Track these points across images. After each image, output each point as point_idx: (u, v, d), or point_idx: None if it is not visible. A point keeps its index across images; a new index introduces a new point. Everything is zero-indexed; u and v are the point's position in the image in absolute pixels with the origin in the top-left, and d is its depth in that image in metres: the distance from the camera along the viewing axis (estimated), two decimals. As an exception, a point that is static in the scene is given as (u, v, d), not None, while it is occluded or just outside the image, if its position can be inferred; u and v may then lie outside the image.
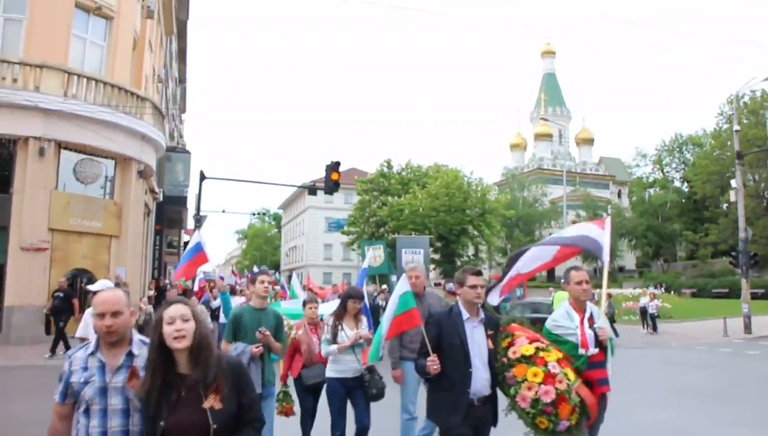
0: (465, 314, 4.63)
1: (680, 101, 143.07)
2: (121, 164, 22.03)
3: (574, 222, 68.44)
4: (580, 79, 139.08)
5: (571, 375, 4.52)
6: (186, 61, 48.46)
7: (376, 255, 23.07)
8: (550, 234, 42.24)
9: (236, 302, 15.20)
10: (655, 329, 25.65)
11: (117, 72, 22.09)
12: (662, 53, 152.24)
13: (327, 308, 15.80)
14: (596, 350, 4.83)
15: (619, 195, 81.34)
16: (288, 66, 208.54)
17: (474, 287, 4.62)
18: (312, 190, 30.23)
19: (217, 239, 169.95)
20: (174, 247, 37.52)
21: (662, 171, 73.47)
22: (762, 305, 29.55)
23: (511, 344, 4.70)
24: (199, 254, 8.52)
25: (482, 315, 4.70)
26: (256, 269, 41.75)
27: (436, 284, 37.64)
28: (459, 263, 44.00)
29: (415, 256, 29.55)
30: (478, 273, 4.74)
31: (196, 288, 19.32)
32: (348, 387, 6.43)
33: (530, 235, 55.61)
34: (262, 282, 6.13)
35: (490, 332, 4.65)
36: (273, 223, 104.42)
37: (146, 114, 22.75)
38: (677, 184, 71.06)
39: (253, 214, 57.94)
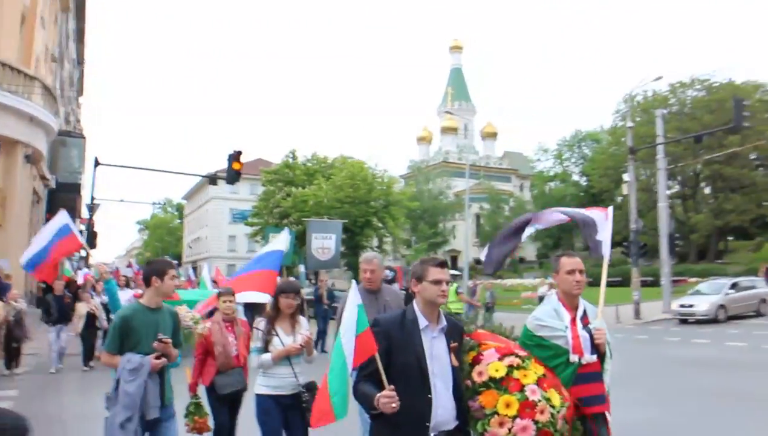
0: (423, 321, 3.49)
1: (582, 99, 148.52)
2: (5, 147, 20.76)
3: (477, 215, 70.39)
4: (486, 74, 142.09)
5: (556, 399, 3.51)
6: (84, 42, 46.31)
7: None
8: (454, 227, 42.11)
9: (123, 297, 14.41)
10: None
11: (2, 48, 20.78)
12: (567, 51, 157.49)
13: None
14: (593, 358, 3.88)
15: (522, 188, 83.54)
16: (194, 53, 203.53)
17: (438, 282, 3.48)
18: (213, 179, 29.51)
19: (117, 230, 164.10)
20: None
21: (562, 165, 75.83)
22: (651, 292, 30.92)
23: (476, 360, 3.69)
24: (67, 240, 6.73)
25: (444, 322, 3.55)
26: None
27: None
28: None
29: (326, 241, 28.13)
30: (442, 265, 3.57)
31: (80, 281, 17.71)
32: (283, 406, 5.22)
33: (434, 227, 56.38)
34: (173, 278, 4.76)
35: (453, 344, 3.54)
36: (176, 213, 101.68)
37: (35, 94, 21.50)
38: (576, 178, 73.52)
39: (154, 203, 56.09)
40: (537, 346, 3.91)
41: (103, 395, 4.68)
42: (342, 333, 3.38)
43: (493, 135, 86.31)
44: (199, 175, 37.98)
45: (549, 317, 4.01)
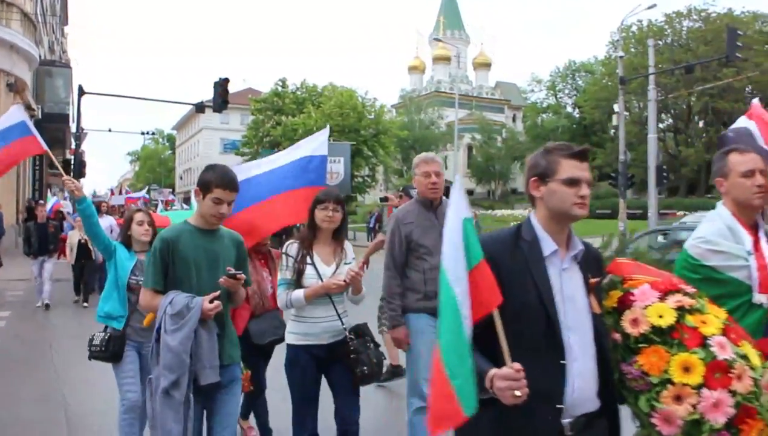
0: (549, 245, 2.23)
1: (578, 28, 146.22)
2: (-14, 75, 20.46)
3: (469, 146, 70.11)
4: (480, 2, 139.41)
5: (755, 356, 2.20)
6: (66, -33, 45.04)
7: None
8: (446, 157, 41.47)
9: (103, 224, 14.07)
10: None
11: (-22, -27, 20.24)
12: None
13: None
14: None
15: (514, 119, 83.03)
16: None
17: (575, 182, 2.21)
18: (201, 108, 29.13)
19: (107, 161, 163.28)
20: (55, 168, 35.67)
21: (555, 97, 75.26)
22: (639, 224, 31.06)
23: (625, 303, 2.35)
24: (25, 141, 5.48)
25: (579, 245, 2.29)
26: (148, 191, 39.62)
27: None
28: (353, 184, 44.12)
29: (334, 165, 25.15)
30: (581, 155, 2.26)
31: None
32: (321, 360, 3.98)
33: (425, 158, 56.18)
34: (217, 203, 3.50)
35: (593, 280, 2.30)
36: (167, 144, 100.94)
37: (14, 21, 21.05)
38: (569, 109, 73.13)
39: (143, 133, 55.46)
40: (705, 280, 2.66)
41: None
42: (448, 270, 2.04)
43: (486, 65, 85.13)
44: (187, 104, 37.45)
45: (723, 237, 2.77)
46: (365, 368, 3.92)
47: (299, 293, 3.90)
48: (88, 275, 12.69)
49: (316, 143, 5.33)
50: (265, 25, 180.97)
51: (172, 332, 3.26)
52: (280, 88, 48.79)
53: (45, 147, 5.61)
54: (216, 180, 3.34)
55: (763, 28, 48.20)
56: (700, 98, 49.11)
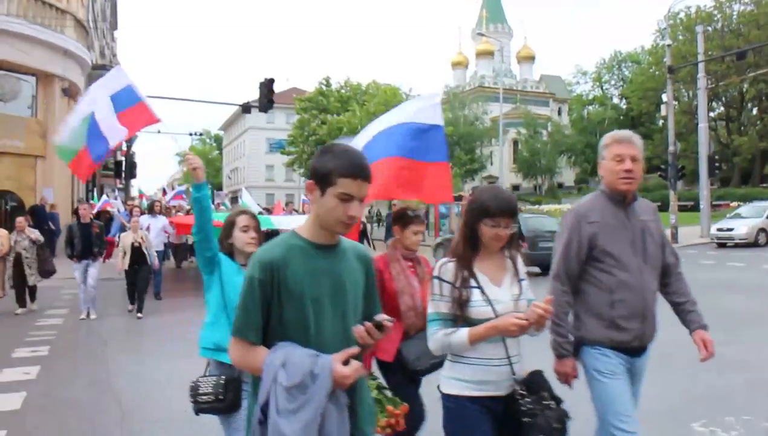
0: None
1: (622, 19, 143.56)
2: (42, 81, 21.12)
3: (514, 140, 69.50)
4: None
5: None
6: (115, -26, 46.14)
7: None
8: (491, 153, 40.14)
9: (154, 226, 13.26)
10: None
11: (33, -18, 20.88)
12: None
13: (293, 222, 15.18)
14: None
15: (559, 112, 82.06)
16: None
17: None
18: (246, 108, 29.53)
19: (156, 161, 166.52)
20: (110, 169, 36.57)
21: (601, 88, 74.22)
22: (690, 217, 30.59)
23: None
24: (136, 110, 4.88)
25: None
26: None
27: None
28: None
29: None
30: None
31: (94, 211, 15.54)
32: (494, 413, 2.81)
33: (471, 153, 55.88)
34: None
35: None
36: (214, 144, 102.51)
37: (68, 28, 21.70)
38: (615, 101, 72.01)
39: (191, 134, 56.54)
40: None
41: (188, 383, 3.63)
42: None
43: (529, 58, 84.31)
44: (234, 105, 38.05)
45: None
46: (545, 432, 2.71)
47: (462, 335, 2.69)
48: (142, 282, 11.31)
49: (431, 111, 4.61)
50: (308, 24, 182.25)
51: (288, 414, 2.08)
52: (324, 87, 49.16)
53: (158, 117, 4.98)
54: (341, 167, 2.18)
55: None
56: (753, 84, 47.77)
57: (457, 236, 2.92)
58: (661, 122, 54.30)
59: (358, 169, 2.22)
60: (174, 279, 16.07)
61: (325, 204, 2.22)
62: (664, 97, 29.98)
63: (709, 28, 46.13)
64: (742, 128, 53.16)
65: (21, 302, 11.62)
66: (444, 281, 2.80)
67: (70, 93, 22.23)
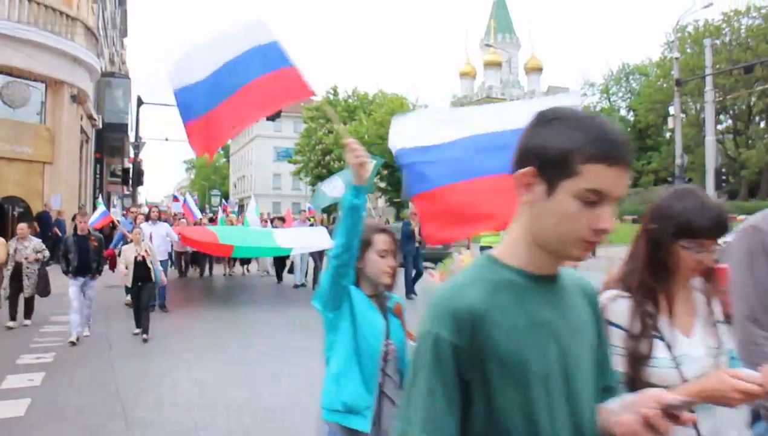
0: None
1: (631, 30, 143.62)
2: (52, 88, 21.24)
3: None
4: (531, 5, 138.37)
5: None
6: (125, -18, 46.45)
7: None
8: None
9: (157, 233, 12.59)
10: (593, 253, 26.35)
11: (44, -10, 21.06)
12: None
13: (302, 238, 14.94)
14: None
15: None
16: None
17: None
18: (254, 116, 29.65)
19: (164, 169, 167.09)
20: (117, 176, 36.75)
21: (609, 100, 74.06)
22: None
23: None
24: (284, 75, 3.88)
25: None
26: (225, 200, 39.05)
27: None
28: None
29: None
30: None
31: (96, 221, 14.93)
32: None
33: (477, 163, 56.02)
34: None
35: None
36: (221, 152, 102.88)
37: (78, 35, 21.85)
38: (623, 113, 71.86)
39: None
40: None
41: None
42: None
43: (537, 69, 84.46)
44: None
45: None
46: None
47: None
48: (146, 301, 9.99)
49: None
50: (317, 32, 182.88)
51: None
52: (331, 96, 49.43)
53: (313, 89, 3.92)
54: (589, 146, 1.31)
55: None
56: (760, 98, 47.68)
57: (631, 259, 2.07)
58: (668, 135, 54.12)
59: (616, 148, 1.33)
60: (179, 288, 16.00)
61: (557, 208, 1.34)
62: (672, 110, 29.98)
63: (717, 42, 46.11)
64: (750, 142, 52.93)
65: (13, 315, 10.58)
66: (614, 324, 1.93)
67: (79, 99, 22.36)
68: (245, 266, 20.54)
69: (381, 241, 2.84)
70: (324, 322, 2.83)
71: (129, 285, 10.09)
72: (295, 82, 3.75)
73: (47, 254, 11.10)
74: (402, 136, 4.03)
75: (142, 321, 9.91)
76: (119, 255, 10.84)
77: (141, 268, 9.94)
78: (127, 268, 9.96)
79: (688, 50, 48.74)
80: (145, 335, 9.78)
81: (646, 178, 58.16)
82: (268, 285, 17.73)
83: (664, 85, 53.17)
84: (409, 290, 14.50)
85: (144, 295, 9.95)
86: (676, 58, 29.70)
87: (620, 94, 73.89)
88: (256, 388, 7.08)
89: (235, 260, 19.30)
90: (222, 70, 3.95)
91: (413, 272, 14.75)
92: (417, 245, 14.80)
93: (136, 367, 8.18)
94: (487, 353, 1.32)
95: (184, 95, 4.13)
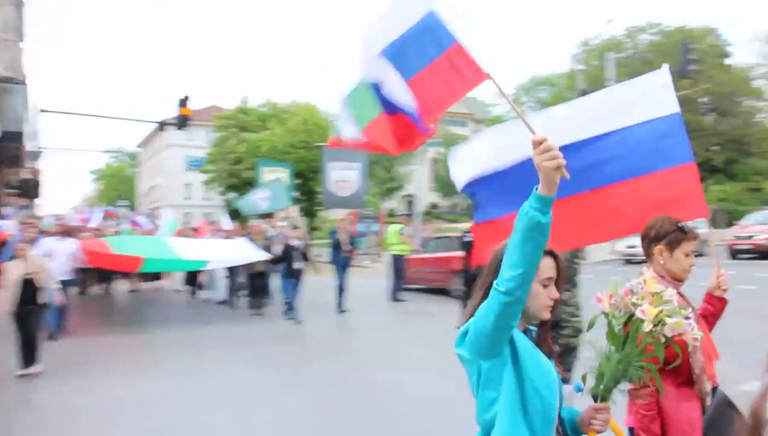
0: None
1: (542, 43, 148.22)
2: (-61, 94, 20.03)
3: (435, 160, 70.40)
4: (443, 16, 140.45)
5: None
6: (22, -16, 44.52)
7: (282, 180, 20.05)
8: (410, 172, 38.01)
9: (60, 250, 11.08)
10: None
11: (-71, -11, 19.83)
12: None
13: (219, 251, 14.10)
14: None
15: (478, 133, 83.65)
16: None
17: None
18: (162, 125, 28.91)
19: (71, 181, 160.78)
20: (14, 187, 34.98)
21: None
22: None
23: None
24: (453, 53, 3.33)
25: None
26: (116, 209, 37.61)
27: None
28: (317, 200, 44.13)
29: (348, 172, 23.38)
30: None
31: None
32: None
33: (389, 171, 56.35)
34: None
35: None
36: (132, 162, 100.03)
37: (-31, 39, 20.69)
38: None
39: (106, 151, 55.15)
40: None
41: None
42: None
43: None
44: (149, 122, 37.21)
45: None
46: None
47: None
48: (31, 331, 8.50)
49: (664, 93, 3.50)
50: (229, 43, 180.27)
51: None
52: (244, 105, 48.91)
53: (487, 71, 3.29)
54: None
55: (714, 42, 49.46)
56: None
57: None
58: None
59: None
60: (79, 310, 13.97)
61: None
62: (577, 120, 30.99)
63: (621, 55, 48.14)
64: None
65: None
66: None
67: (-28, 107, 21.16)
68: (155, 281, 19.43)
69: (546, 267, 2.25)
70: (474, 374, 2.20)
71: (14, 309, 8.41)
72: (465, 65, 3.09)
73: None
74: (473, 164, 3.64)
75: (30, 352, 8.47)
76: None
77: (28, 289, 8.40)
78: (12, 289, 8.34)
79: (593, 63, 50.72)
80: (26, 371, 8.39)
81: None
82: (181, 301, 17.07)
83: (570, 96, 55.11)
84: (339, 304, 14.38)
85: (28, 324, 8.45)
86: (581, 70, 30.75)
87: (530, 104, 76.04)
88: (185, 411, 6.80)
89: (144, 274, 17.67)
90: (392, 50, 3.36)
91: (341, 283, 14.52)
92: (347, 255, 14.67)
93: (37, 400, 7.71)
94: None
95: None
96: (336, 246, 14.55)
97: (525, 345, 2.17)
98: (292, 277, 13.42)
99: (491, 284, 2.08)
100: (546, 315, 2.24)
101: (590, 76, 43.65)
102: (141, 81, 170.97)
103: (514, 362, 2.12)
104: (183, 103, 23.68)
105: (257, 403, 7.23)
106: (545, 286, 2.23)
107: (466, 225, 14.72)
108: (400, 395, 7.49)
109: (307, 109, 45.22)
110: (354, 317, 13.98)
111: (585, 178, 3.30)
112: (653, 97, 3.50)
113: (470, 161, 3.71)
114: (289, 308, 13.41)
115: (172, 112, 27.67)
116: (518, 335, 2.17)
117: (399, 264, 16.50)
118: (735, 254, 24.18)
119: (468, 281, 13.10)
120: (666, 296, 2.27)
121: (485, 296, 2.11)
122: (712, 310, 3.11)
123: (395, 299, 16.33)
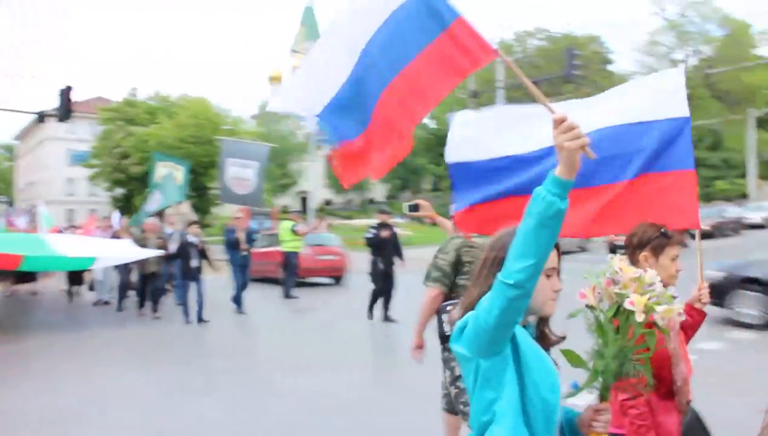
0: None
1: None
2: None
3: (329, 157, 70.17)
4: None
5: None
6: None
7: (174, 176, 19.70)
8: (304, 168, 37.93)
9: None
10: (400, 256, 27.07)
11: None
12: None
13: (107, 248, 13.36)
14: None
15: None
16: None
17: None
18: (42, 117, 27.37)
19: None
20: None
21: (412, 109, 77.27)
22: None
23: None
24: (455, 31, 2.97)
25: None
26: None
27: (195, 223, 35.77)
28: (209, 197, 43.12)
29: (245, 170, 22.49)
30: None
31: None
32: None
33: (283, 167, 55.95)
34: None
35: None
36: (8, 155, 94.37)
37: None
38: (425, 120, 75.21)
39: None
40: None
41: None
42: None
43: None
44: (27, 113, 35.10)
45: None
46: None
47: None
48: None
49: (677, 96, 3.36)
50: (118, 35, 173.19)
51: None
52: (131, 98, 47.05)
53: (495, 47, 3.01)
54: None
55: (597, 49, 52.14)
56: (546, 111, 52.29)
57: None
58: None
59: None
60: None
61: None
62: (468, 120, 31.75)
63: (509, 58, 49.78)
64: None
65: None
66: None
67: None
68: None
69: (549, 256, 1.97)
70: (471, 373, 2.02)
71: None
72: (471, 41, 2.72)
73: None
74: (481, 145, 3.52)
75: None
76: None
77: None
78: None
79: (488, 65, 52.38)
80: None
81: (446, 182, 61.34)
82: (62, 304, 16.07)
83: (462, 96, 56.42)
84: (238, 304, 13.97)
85: None
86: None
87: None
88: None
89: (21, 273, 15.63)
90: (370, 49, 2.95)
91: (241, 283, 14.09)
92: (244, 254, 14.14)
93: None
94: None
95: (330, 117, 3.17)
96: (233, 245, 14.00)
97: (527, 342, 2.01)
98: (189, 275, 12.88)
99: (491, 275, 1.95)
100: (550, 309, 2.11)
101: (481, 77, 44.82)
102: (18, 70, 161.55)
103: (515, 361, 1.97)
104: (65, 93, 22.50)
105: (151, 408, 6.93)
106: (548, 276, 2.06)
107: (365, 222, 14.81)
108: (299, 393, 7.39)
109: (199, 103, 43.98)
110: (250, 316, 13.72)
111: (590, 173, 3.27)
112: (664, 98, 3.45)
113: (472, 144, 3.63)
114: (184, 310, 12.89)
115: (52, 103, 26.24)
116: (520, 331, 2.00)
117: (291, 261, 16.32)
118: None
119: (375, 278, 13.17)
120: (647, 278, 2.19)
121: (483, 289, 1.99)
122: (691, 322, 3.12)
123: (288, 296, 16.19)
